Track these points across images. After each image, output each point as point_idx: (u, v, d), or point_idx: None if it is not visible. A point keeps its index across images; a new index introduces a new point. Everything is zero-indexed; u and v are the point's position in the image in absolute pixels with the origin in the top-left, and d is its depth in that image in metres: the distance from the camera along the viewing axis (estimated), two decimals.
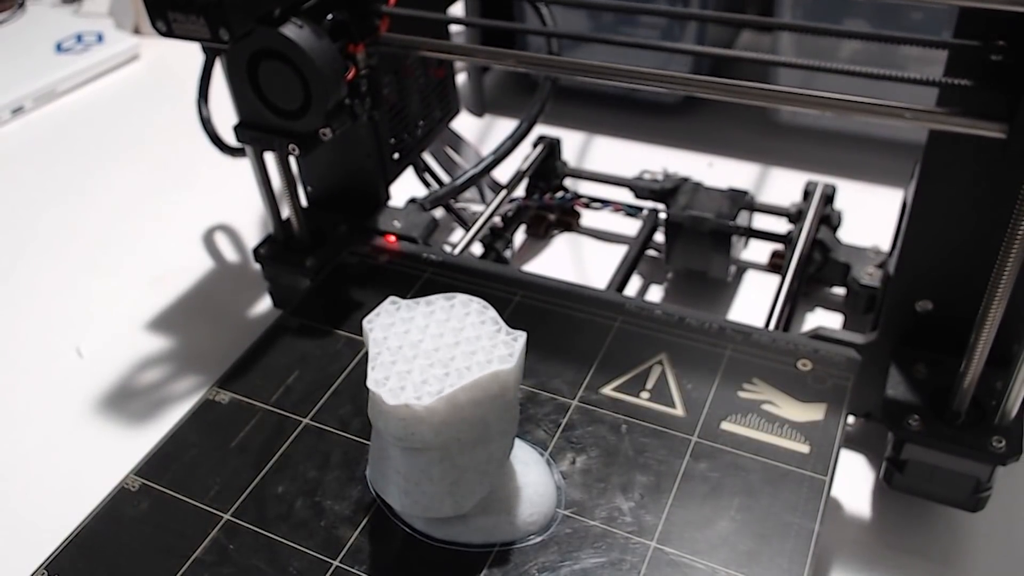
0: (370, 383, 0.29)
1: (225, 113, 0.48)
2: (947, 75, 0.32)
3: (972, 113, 0.32)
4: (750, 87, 0.36)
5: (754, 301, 0.53)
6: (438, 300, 0.32)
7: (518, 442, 0.34)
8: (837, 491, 0.40)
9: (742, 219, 0.51)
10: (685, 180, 0.53)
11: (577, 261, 0.58)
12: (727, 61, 0.71)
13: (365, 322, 0.31)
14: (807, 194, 0.53)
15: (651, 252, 0.56)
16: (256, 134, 0.42)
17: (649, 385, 0.38)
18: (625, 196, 0.56)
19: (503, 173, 0.56)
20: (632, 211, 0.56)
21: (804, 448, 0.34)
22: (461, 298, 0.32)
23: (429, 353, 0.30)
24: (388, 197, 0.50)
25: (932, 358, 0.38)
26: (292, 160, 0.48)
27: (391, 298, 0.32)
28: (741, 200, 0.51)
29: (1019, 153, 0.31)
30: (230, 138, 0.52)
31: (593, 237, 0.60)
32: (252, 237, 0.61)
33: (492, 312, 0.31)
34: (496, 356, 0.30)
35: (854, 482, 0.42)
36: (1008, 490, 0.40)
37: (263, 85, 0.40)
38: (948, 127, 0.32)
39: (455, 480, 0.30)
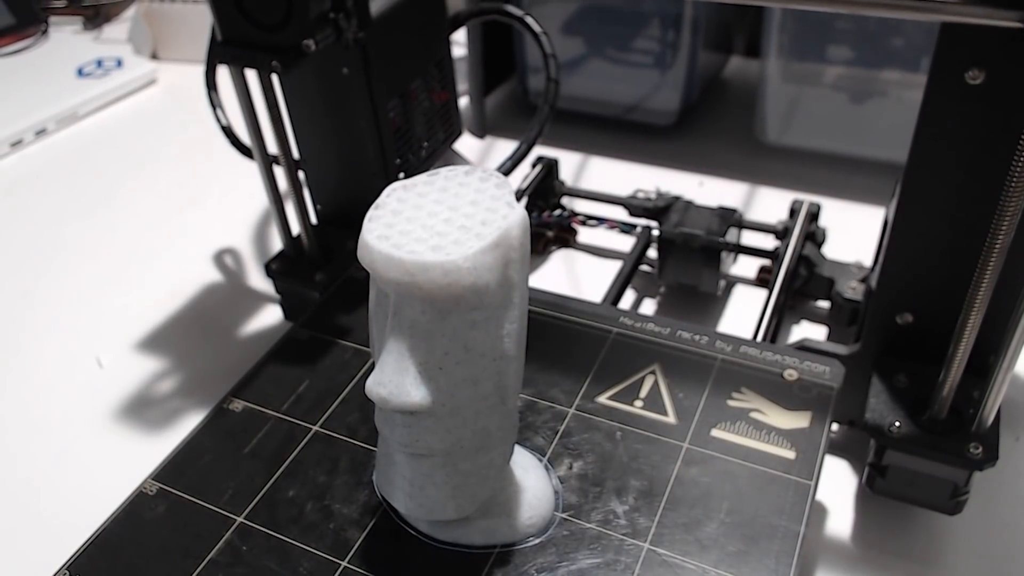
0: (370, 239, 0.28)
1: (235, 118, 0.49)
2: None
3: (986, 2, 0.30)
4: None
5: (742, 314, 0.54)
6: (441, 171, 0.30)
7: (518, 448, 0.35)
8: (822, 495, 0.40)
9: (731, 236, 0.52)
10: (677, 199, 0.54)
11: (574, 276, 0.59)
12: (716, 84, 0.73)
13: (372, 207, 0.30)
14: (793, 212, 0.54)
15: (644, 267, 0.57)
16: (238, 51, 0.40)
17: (642, 394, 0.38)
18: (620, 214, 0.57)
19: None
20: (626, 228, 0.57)
21: (790, 454, 0.35)
22: (464, 166, 0.31)
23: (431, 207, 0.29)
24: None
25: (912, 368, 0.39)
26: (301, 175, 0.49)
27: (392, 184, 0.30)
28: (730, 218, 0.52)
29: None
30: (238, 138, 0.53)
31: (589, 253, 0.60)
32: (264, 253, 0.62)
33: (497, 177, 0.30)
34: (499, 207, 0.28)
35: (838, 486, 0.42)
36: (984, 494, 0.41)
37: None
38: (961, 18, 0.31)
39: (458, 485, 0.31)
